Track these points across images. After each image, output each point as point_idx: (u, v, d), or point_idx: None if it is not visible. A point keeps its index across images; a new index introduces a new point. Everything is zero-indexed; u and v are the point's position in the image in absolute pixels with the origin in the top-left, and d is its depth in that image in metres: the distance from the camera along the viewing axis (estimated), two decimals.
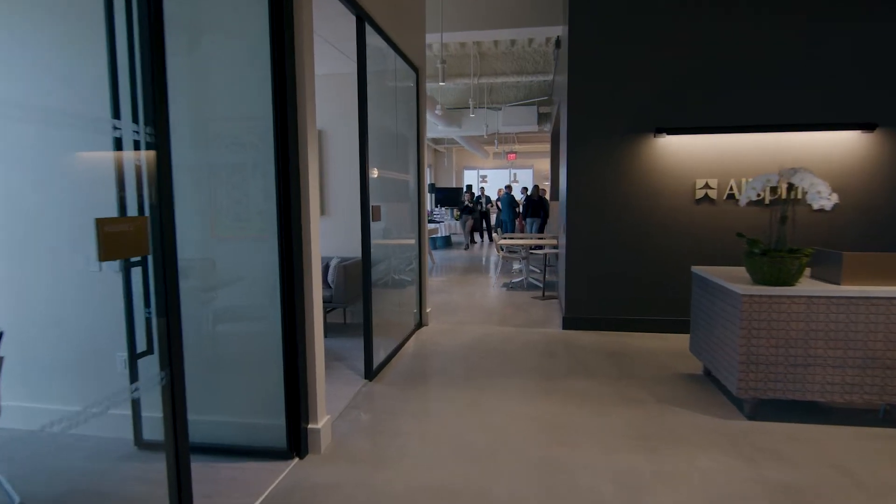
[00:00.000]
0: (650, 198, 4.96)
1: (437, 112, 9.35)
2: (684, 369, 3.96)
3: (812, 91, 4.66)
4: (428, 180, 19.69)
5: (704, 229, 4.91)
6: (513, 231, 13.36)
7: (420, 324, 5.44)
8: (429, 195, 18.86)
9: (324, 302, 4.99)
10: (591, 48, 4.97)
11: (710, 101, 4.81)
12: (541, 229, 12.37)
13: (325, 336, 5.00)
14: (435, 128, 12.13)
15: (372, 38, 3.87)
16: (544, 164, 22.10)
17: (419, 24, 5.30)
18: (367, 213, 3.73)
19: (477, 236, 16.02)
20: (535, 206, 12.36)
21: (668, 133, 4.80)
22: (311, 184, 2.63)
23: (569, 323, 5.18)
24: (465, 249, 13.25)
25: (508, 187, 13.76)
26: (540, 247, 8.23)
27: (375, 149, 3.99)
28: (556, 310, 6.09)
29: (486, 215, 15.88)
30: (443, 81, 6.90)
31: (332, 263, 5.17)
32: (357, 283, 4.98)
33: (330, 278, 5.12)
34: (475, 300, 6.77)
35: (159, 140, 1.63)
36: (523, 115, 11.73)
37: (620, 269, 5.05)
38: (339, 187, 5.49)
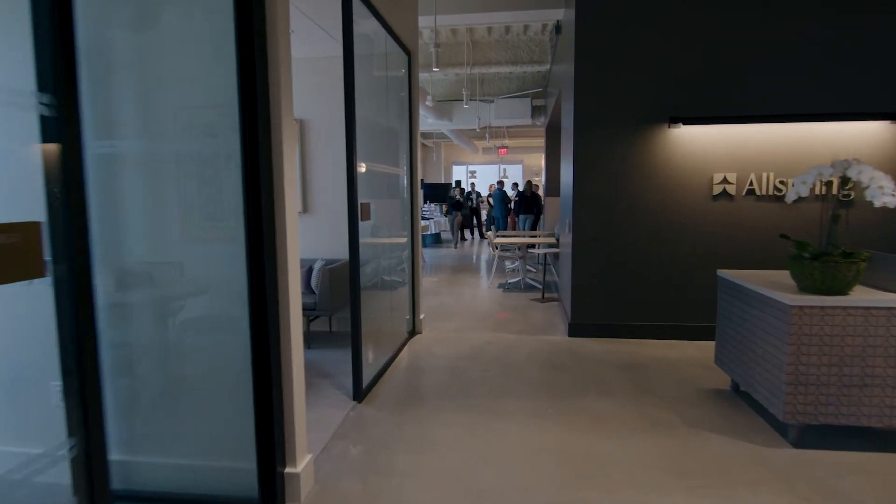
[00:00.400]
0: (663, 193, 4.56)
1: (427, 103, 8.87)
2: (709, 383, 3.57)
3: (840, 78, 4.29)
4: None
5: (722, 227, 4.53)
6: (505, 228, 12.96)
7: (413, 331, 4.99)
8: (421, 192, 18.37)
9: (307, 309, 4.52)
10: (601, 32, 4.54)
11: (729, 88, 4.41)
12: (534, 226, 11.98)
13: (308, 347, 4.54)
14: (425, 121, 11.65)
15: (360, 16, 3.40)
16: (534, 160, 21.72)
17: (411, 2, 4.83)
18: (354, 213, 3.26)
19: (467, 233, 15.60)
20: (528, 202, 11.96)
21: (685, 123, 4.40)
22: (286, 177, 2.17)
23: (575, 330, 4.78)
24: (455, 248, 12.80)
25: (500, 183, 13.34)
26: (533, 245, 7.84)
27: (363, 140, 3.53)
28: (559, 314, 5.68)
29: (476, 211, 15.45)
30: (436, 67, 6.43)
31: (316, 266, 4.70)
32: (344, 288, 4.51)
33: (314, 283, 4.65)
34: (471, 303, 6.34)
35: (64, 112, 1.16)
36: (516, 107, 11.29)
37: (630, 271, 4.65)
38: (323, 182, 5.01)
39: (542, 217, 12.34)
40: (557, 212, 10.68)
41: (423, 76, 10.57)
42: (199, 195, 2.11)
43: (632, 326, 4.69)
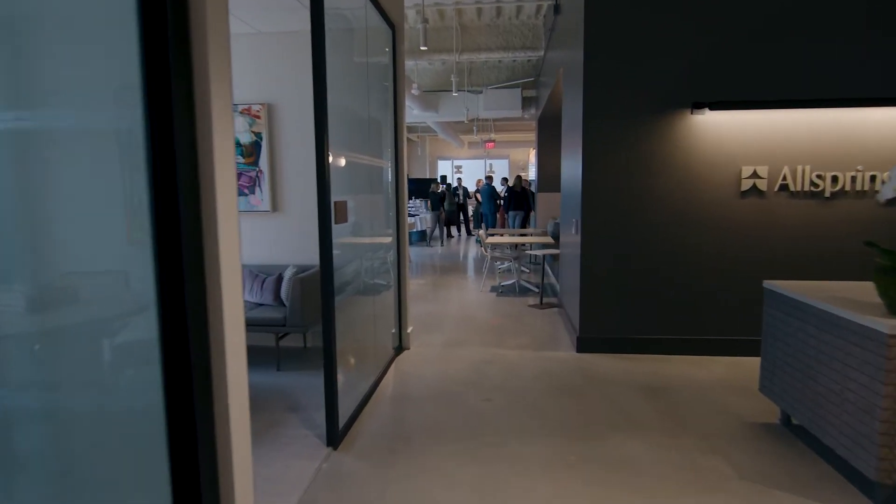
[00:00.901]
0: (685, 189, 4.00)
1: (413, 92, 8.22)
2: (753, 414, 3.02)
3: (889, 58, 3.76)
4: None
5: (752, 227, 3.98)
6: (494, 225, 12.37)
7: (400, 347, 4.37)
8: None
9: (276, 325, 3.87)
10: (612, 8, 3.95)
11: (759, 69, 3.86)
12: (524, 223, 11.41)
13: (278, 370, 3.88)
14: (410, 112, 10.97)
15: None
16: (521, 154, 21.20)
17: None
18: (326, 214, 2.62)
19: (454, 230, 14.99)
20: (518, 198, 11.38)
21: (711, 108, 3.84)
22: (219, 161, 1.53)
23: (585, 344, 4.20)
24: (441, 246, 12.18)
25: (489, 178, 12.75)
26: (529, 247, 7.26)
27: (338, 128, 2.90)
28: (562, 323, 5.10)
29: (463, 207, 14.85)
30: (424, 46, 5.78)
31: (287, 275, 4.04)
32: (319, 299, 3.86)
33: (284, 294, 3.99)
34: (462, 309, 5.73)
35: None
36: (506, 98, 10.69)
37: (647, 278, 4.09)
38: (296, 177, 4.35)
39: (531, 213, 11.79)
40: (550, 208, 10.14)
41: (408, 64, 9.90)
42: (88, 186, 1.45)
43: (648, 340, 4.13)
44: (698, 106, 3.88)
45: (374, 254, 3.84)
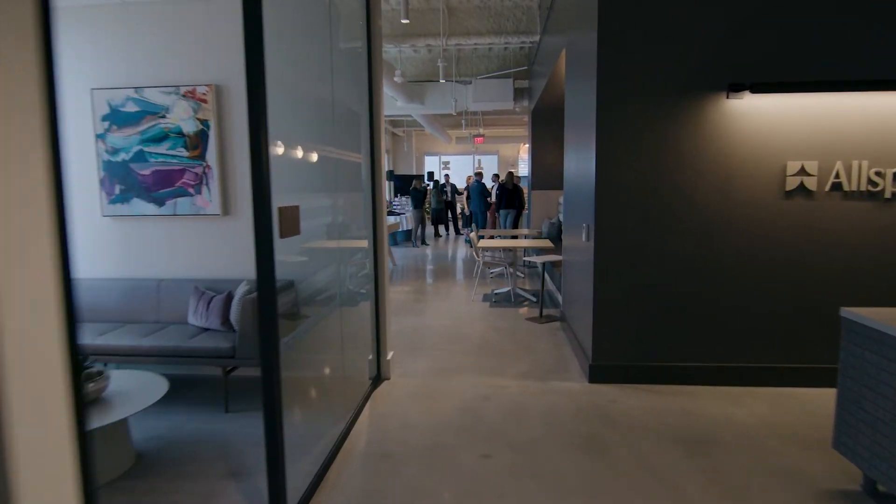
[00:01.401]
0: (719, 187, 3.34)
1: (396, 79, 7.48)
2: (827, 478, 2.37)
3: None
4: (385, 166, 17.70)
5: (798, 233, 3.34)
6: (484, 225, 11.68)
7: (378, 378, 3.66)
8: (386, 183, 16.93)
9: (223, 357, 3.14)
10: None
11: (810, 46, 3.21)
12: (515, 222, 10.74)
13: (227, 411, 3.15)
14: (394, 103, 10.22)
15: None
16: (510, 150, 20.56)
17: None
18: (264, 223, 1.90)
19: (442, 229, 14.29)
20: (510, 195, 10.69)
21: (753, 90, 3.18)
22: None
23: (599, 373, 3.53)
24: (416, 248, 11.45)
25: (479, 174, 12.03)
26: (525, 252, 6.57)
27: (292, 114, 2.20)
28: (566, 341, 4.43)
29: (451, 205, 14.15)
30: (405, 19, 5.06)
31: (238, 293, 3.31)
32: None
33: (233, 318, 3.26)
34: (452, 324, 5.03)
35: None
36: (496, 89, 9.99)
37: (673, 294, 3.43)
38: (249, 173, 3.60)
39: (523, 212, 11.12)
40: (545, 207, 9.48)
41: (391, 50, 9.16)
42: None
43: (673, 369, 3.47)
44: (736, 89, 3.21)
45: (345, 263, 3.13)
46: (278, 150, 2.09)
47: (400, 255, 10.22)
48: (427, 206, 13.10)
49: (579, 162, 4.03)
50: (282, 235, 2.00)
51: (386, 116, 15.21)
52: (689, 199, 3.37)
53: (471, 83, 10.15)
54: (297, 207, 2.18)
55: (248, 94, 1.86)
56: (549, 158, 9.30)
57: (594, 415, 3.04)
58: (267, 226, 1.87)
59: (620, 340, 3.50)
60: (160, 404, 2.61)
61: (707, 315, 3.43)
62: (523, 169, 19.42)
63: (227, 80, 3.58)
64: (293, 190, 2.26)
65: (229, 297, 3.36)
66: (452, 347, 4.35)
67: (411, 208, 11.76)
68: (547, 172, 9.36)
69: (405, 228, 11.65)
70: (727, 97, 3.28)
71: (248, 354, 3.12)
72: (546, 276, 6.58)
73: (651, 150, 3.36)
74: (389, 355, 3.72)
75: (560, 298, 5.68)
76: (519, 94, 10.44)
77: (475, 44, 8.04)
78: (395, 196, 15.99)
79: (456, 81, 10.18)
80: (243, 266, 3.65)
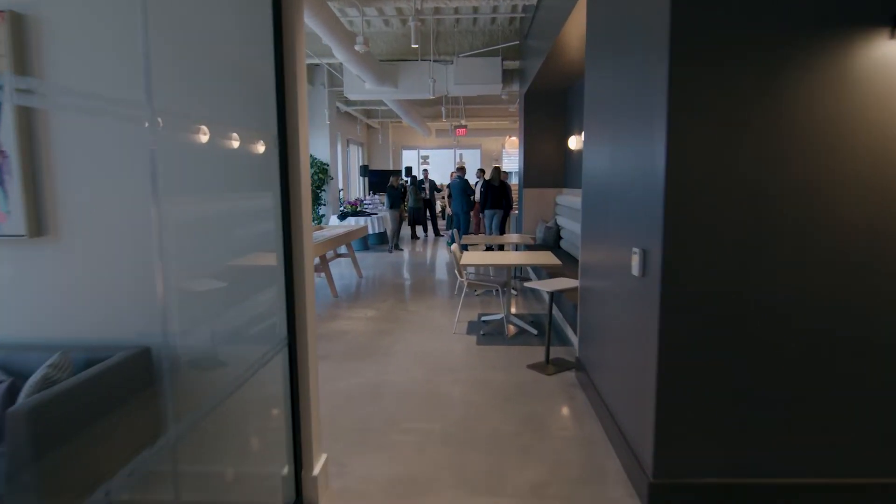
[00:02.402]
0: (878, 189, 1.98)
1: (357, 48, 5.99)
2: None
3: None
4: (359, 161, 16.14)
5: None
6: (468, 228, 10.26)
7: (299, 500, 2.21)
8: (360, 179, 15.38)
9: None
10: None
11: None
12: (502, 225, 9.34)
13: None
14: (361, 85, 8.72)
15: None
16: (494, 144, 19.20)
17: None
18: None
19: (420, 230, 12.84)
20: (497, 194, 9.27)
21: None
22: None
23: (663, 496, 2.14)
24: (390, 252, 10.02)
25: (461, 169, 10.59)
26: (523, 272, 5.10)
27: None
28: (590, 410, 3.04)
29: (430, 204, 12.70)
30: None
31: (31, 382, 1.82)
32: (86, 448, 1.67)
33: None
34: (426, 378, 3.61)
35: None
36: (482, 69, 8.56)
37: (791, 364, 2.06)
38: (88, 163, 2.11)
39: (511, 213, 9.74)
40: (539, 207, 8.11)
41: (352, 16, 7.65)
42: None
43: (789, 489, 2.10)
44: None
45: (226, 309, 1.70)
46: None
47: (370, 263, 8.74)
48: (404, 205, 11.65)
49: (621, 155, 2.63)
50: None
51: (357, 105, 13.69)
52: (825, 207, 1.99)
53: (452, 63, 8.71)
54: None
55: None
56: (544, 150, 7.92)
57: None
58: None
59: (701, 442, 2.12)
60: None
61: (847, 397, 2.06)
62: (507, 164, 18.05)
63: (32, 8, 2.07)
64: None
65: (12, 391, 1.86)
66: (425, 428, 2.91)
67: (387, 208, 10.29)
68: (542, 167, 7.98)
69: (376, 231, 10.17)
70: (892, 35, 1.92)
71: None
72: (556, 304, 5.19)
73: (761, 131, 1.97)
74: (319, 464, 2.27)
75: (571, 333, 4.29)
76: (508, 76, 9.03)
77: (456, 8, 6.62)
78: (368, 194, 14.49)
79: (435, 61, 8.73)
80: (66, 320, 2.15)
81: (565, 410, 3.12)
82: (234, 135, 1.81)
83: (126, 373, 1.94)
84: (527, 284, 4.04)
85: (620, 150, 2.62)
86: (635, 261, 2.31)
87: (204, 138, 1.66)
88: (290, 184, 2.11)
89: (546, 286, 3.78)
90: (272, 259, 2.08)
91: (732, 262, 2.02)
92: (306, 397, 2.21)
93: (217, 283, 1.92)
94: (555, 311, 5.15)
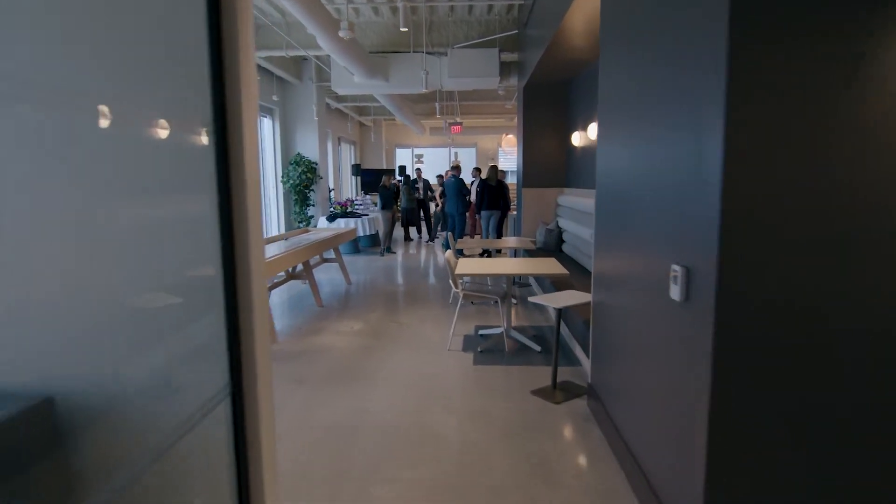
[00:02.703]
0: None
1: (341, 34, 5.50)
2: None
3: None
4: (350, 159, 15.63)
5: None
6: (463, 230, 9.78)
7: None
8: (352, 178, 14.87)
9: None
10: None
11: None
12: (499, 227, 8.88)
13: None
14: (350, 79, 8.22)
15: None
16: (491, 143, 18.73)
17: None
18: None
19: (413, 232, 12.36)
20: (494, 194, 8.80)
21: None
22: None
23: None
24: (382, 256, 9.55)
25: (456, 168, 10.10)
26: (526, 282, 4.61)
27: None
28: (607, 450, 2.58)
29: (424, 204, 12.21)
30: None
31: None
32: None
33: None
34: (416, 408, 3.12)
35: None
36: (478, 61, 8.08)
37: (871, 406, 1.60)
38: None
39: (509, 214, 9.28)
40: (540, 208, 7.63)
41: (338, 2, 7.15)
42: None
43: None
44: None
45: (151, 347, 1.20)
46: None
47: (360, 267, 8.25)
48: (397, 205, 11.15)
49: (650, 151, 2.15)
50: None
51: (348, 101, 13.17)
52: None
53: (446, 55, 8.22)
54: None
55: None
56: (545, 147, 7.45)
57: None
58: None
59: (773, 480, 1.65)
60: None
61: None
62: (504, 163, 17.56)
63: None
64: None
65: None
66: (412, 477, 2.43)
67: (379, 209, 9.80)
68: (542, 165, 7.51)
69: (368, 233, 9.68)
70: None
71: None
72: (563, 320, 4.71)
73: (850, 117, 1.50)
74: None
75: (580, 351, 3.83)
76: (505, 68, 8.56)
77: (450, 2, 6.14)
78: (360, 194, 14.00)
79: (428, 53, 8.24)
80: None
81: (578, 451, 2.65)
82: (147, 120, 1.32)
83: (20, 431, 1.45)
84: (532, 299, 3.56)
85: (648, 146, 2.15)
86: (676, 281, 1.83)
87: (103, 123, 1.18)
88: (232, 186, 1.62)
89: (554, 301, 3.31)
90: (208, 282, 1.59)
91: (813, 282, 1.55)
92: (257, 458, 1.72)
93: (141, 315, 1.43)
94: (550, 312, 4.68)
